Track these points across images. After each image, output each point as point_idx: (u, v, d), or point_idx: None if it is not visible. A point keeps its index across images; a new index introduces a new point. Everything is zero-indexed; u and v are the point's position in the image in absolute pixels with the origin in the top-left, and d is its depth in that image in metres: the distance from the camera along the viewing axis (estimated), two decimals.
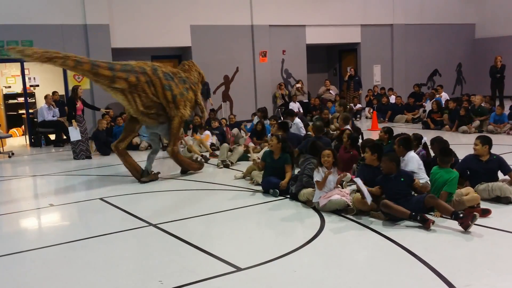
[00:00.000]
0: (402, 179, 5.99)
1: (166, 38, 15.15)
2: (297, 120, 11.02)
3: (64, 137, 13.17)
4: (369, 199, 5.92)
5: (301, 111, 16.36)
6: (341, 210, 6.23)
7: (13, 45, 12.81)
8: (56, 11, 13.27)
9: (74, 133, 10.82)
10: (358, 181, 6.04)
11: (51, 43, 13.16)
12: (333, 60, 20.55)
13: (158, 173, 8.87)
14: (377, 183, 6.08)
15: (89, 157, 11.18)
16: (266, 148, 8.31)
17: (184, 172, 9.12)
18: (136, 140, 12.15)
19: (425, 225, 5.52)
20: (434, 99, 14.87)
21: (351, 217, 6.09)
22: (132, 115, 8.40)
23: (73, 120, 10.81)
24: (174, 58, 16.28)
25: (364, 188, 5.95)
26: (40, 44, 13.07)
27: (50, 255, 5.43)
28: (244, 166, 9.16)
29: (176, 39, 15.40)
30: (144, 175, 8.57)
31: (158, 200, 7.59)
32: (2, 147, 12.51)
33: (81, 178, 9.18)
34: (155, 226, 6.12)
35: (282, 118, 16.78)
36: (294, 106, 16.37)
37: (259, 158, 8.33)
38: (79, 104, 11.03)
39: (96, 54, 13.68)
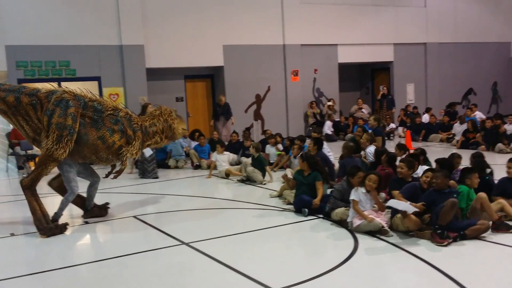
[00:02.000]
0: (455, 195, 5.89)
1: (199, 58, 15.36)
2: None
3: None
4: (411, 209, 5.82)
5: (331, 131, 16.28)
6: (375, 232, 6.12)
7: (51, 65, 13.23)
8: (93, 32, 13.63)
9: (146, 151, 10.47)
10: (393, 203, 5.95)
11: (87, 64, 13.54)
12: (366, 78, 20.44)
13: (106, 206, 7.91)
14: (425, 198, 5.97)
15: (155, 177, 10.90)
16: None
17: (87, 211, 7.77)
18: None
19: (440, 240, 5.54)
20: (469, 119, 14.58)
21: (386, 238, 5.97)
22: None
23: None
24: (207, 77, 16.48)
25: (401, 203, 5.87)
26: (77, 64, 13.47)
27: (84, 272, 5.50)
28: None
29: (209, 59, 15.60)
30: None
31: (191, 218, 7.61)
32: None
33: (116, 196, 9.29)
34: (187, 244, 6.13)
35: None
36: (329, 125, 16.30)
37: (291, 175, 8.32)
38: None
39: (131, 74, 14.00)
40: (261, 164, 9.93)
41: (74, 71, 13.45)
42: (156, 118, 7.69)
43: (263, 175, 9.87)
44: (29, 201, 6.85)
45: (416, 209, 5.87)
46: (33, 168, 12.39)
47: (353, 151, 9.10)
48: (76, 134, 6.94)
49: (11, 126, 12.84)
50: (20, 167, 12.54)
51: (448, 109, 17.19)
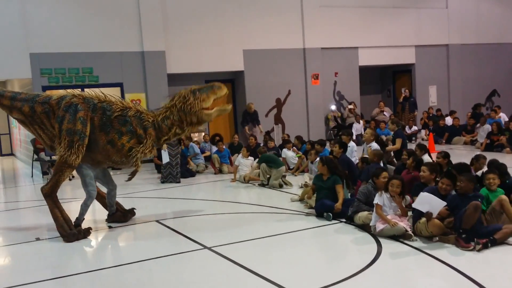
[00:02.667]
0: (479, 199, 5.79)
1: (219, 63, 15.43)
2: (352, 143, 10.82)
3: None
4: (439, 204, 5.80)
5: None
6: (398, 236, 6.05)
7: (74, 72, 13.44)
8: (115, 39, 13.80)
9: (164, 156, 10.68)
10: (419, 205, 5.88)
11: (110, 70, 13.72)
12: (387, 81, 20.27)
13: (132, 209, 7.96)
14: (449, 202, 5.89)
15: (178, 182, 10.94)
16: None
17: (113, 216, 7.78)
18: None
19: (465, 245, 5.50)
20: (493, 121, 14.34)
21: (409, 243, 5.90)
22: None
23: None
24: (227, 82, 16.52)
25: (433, 198, 5.80)
26: (100, 71, 13.66)
27: (107, 277, 5.55)
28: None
29: (229, 63, 15.66)
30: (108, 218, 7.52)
31: (213, 222, 7.63)
32: None
33: (138, 201, 9.37)
34: (210, 249, 6.14)
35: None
36: (358, 127, 16.17)
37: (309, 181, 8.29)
38: None
39: (153, 80, 14.14)
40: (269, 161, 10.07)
41: (97, 78, 13.65)
42: (169, 110, 7.09)
43: (276, 165, 10.00)
44: (51, 209, 6.91)
45: (443, 204, 5.80)
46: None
47: (381, 158, 8.91)
48: (87, 138, 6.89)
49: None
50: (45, 173, 12.75)
51: (474, 111, 16.93)
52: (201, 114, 7.04)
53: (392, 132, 11.31)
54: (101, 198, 7.77)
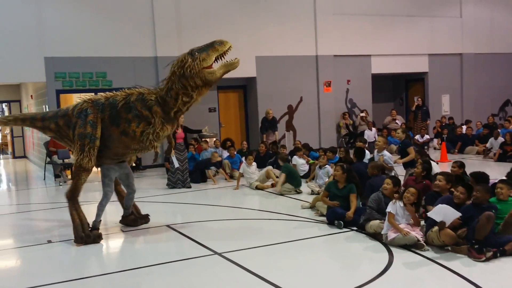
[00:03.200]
0: (493, 211, 5.73)
1: None
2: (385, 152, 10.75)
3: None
4: (452, 215, 5.74)
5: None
6: (410, 245, 6.00)
7: (88, 76, 13.55)
8: (129, 44, 13.90)
9: (174, 161, 10.69)
10: (434, 214, 5.83)
11: (123, 75, 13.81)
12: (400, 89, 20.19)
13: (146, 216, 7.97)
14: (462, 212, 5.83)
15: (189, 187, 10.95)
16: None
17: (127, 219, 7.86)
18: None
19: (477, 256, 5.45)
20: (506, 131, 14.19)
21: (421, 252, 5.84)
22: None
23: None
24: (239, 88, 16.58)
25: (448, 209, 5.75)
26: (113, 75, 13.76)
27: (117, 280, 5.56)
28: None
29: (241, 70, 15.42)
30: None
31: (224, 228, 7.62)
32: None
33: (149, 205, 9.39)
34: (220, 254, 6.13)
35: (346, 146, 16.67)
36: (370, 134, 16.07)
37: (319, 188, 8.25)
38: (179, 132, 10.81)
39: None
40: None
41: (111, 82, 13.75)
42: (170, 80, 6.74)
43: (296, 184, 9.83)
44: (70, 211, 7.02)
45: (458, 215, 5.76)
46: (69, 176, 12.73)
47: (381, 169, 8.75)
48: (99, 139, 6.92)
49: None
50: (57, 176, 12.84)
51: (488, 122, 16.75)
52: (204, 74, 6.53)
53: (399, 141, 11.16)
54: (121, 198, 7.89)
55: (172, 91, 6.67)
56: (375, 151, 9.33)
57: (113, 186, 7.44)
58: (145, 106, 6.79)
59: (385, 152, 9.06)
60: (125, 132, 6.88)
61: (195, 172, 11.56)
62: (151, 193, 10.57)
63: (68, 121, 7.20)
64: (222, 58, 6.67)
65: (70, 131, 7.15)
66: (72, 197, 7.03)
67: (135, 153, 7.41)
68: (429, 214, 5.93)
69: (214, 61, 6.62)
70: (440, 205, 5.89)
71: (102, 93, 7.40)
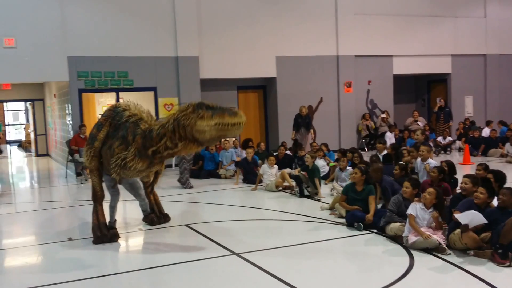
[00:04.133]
0: None
1: (252, 69, 15.46)
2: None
3: None
4: (478, 220, 5.64)
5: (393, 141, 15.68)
6: (432, 249, 5.89)
7: (110, 76, 13.67)
8: (151, 44, 13.99)
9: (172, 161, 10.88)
10: (462, 217, 5.71)
11: (145, 75, 13.91)
12: (422, 90, 19.93)
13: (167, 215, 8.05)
14: (487, 216, 5.71)
15: (190, 187, 11.06)
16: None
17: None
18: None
19: (501, 261, 5.34)
20: None
21: (443, 256, 5.74)
22: None
23: None
24: (259, 88, 16.56)
25: (476, 215, 5.65)
26: (135, 75, 13.86)
27: (135, 279, 5.58)
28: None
29: (262, 70, 15.67)
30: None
31: (242, 229, 7.60)
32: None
33: (168, 205, 9.40)
34: (238, 255, 6.12)
35: (366, 149, 16.53)
36: (391, 136, 15.88)
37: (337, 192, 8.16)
38: None
39: (186, 85, 14.26)
40: (314, 175, 9.76)
41: (132, 82, 13.85)
42: (168, 119, 6.18)
43: (315, 187, 9.72)
44: (92, 212, 7.13)
45: (483, 221, 5.66)
46: (89, 174, 12.86)
47: (382, 171, 8.23)
48: (98, 142, 6.88)
49: (72, 134, 13.38)
50: (78, 174, 12.99)
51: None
52: (193, 129, 5.84)
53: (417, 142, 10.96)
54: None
55: (162, 129, 6.14)
56: (419, 160, 9.10)
57: (117, 187, 7.40)
58: (133, 131, 6.47)
59: (430, 161, 8.88)
60: (111, 147, 6.72)
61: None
62: (170, 192, 10.61)
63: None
64: (226, 126, 5.79)
65: None
66: (94, 199, 7.15)
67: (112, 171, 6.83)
68: (457, 216, 5.79)
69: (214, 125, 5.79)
70: (471, 210, 5.76)
71: (131, 103, 7.08)
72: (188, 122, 5.84)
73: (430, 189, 6.16)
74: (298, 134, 14.51)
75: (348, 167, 9.60)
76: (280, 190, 10.24)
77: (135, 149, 6.34)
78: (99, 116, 7.48)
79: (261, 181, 10.61)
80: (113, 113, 6.98)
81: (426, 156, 8.92)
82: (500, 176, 6.74)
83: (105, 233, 6.95)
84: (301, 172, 9.93)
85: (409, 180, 6.70)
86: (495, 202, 6.12)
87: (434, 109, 17.94)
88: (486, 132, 15.93)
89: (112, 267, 6.17)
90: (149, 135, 6.25)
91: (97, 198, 7.12)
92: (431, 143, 14.96)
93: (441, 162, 8.31)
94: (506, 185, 6.39)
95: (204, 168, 12.55)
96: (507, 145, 13.96)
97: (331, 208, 8.20)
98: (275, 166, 10.85)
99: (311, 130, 14.51)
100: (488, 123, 16.73)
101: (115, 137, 6.70)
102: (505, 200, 5.72)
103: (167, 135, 6.09)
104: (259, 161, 11.97)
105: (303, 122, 14.44)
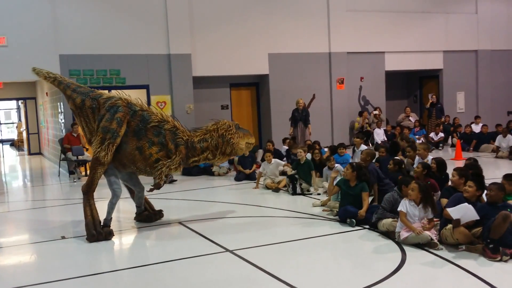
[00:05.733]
0: (508, 210, 5.65)
1: (244, 66, 15.46)
2: (363, 146, 10.85)
3: None
4: (470, 215, 5.68)
5: (383, 140, 15.76)
6: (423, 244, 5.94)
7: (102, 74, 13.63)
8: (143, 42, 13.96)
9: None
10: (454, 212, 5.75)
11: (137, 72, 13.87)
12: (414, 86, 20.02)
13: (160, 211, 8.08)
14: (477, 211, 5.76)
15: (173, 181, 11.34)
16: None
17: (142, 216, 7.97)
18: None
19: (492, 255, 5.38)
20: None
21: (435, 251, 5.79)
22: None
23: None
24: (252, 85, 16.57)
25: (469, 208, 5.68)
26: (127, 73, 13.82)
27: (129, 277, 5.59)
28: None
29: (254, 67, 15.68)
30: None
31: (236, 226, 7.63)
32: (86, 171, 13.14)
33: (162, 202, 9.43)
34: (231, 252, 6.14)
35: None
36: (380, 133, 15.93)
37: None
38: None
39: (178, 82, 14.25)
40: (309, 168, 9.79)
41: (124, 80, 13.81)
42: (209, 134, 7.27)
43: (309, 183, 9.74)
44: (84, 206, 7.06)
45: (476, 218, 5.71)
46: (83, 173, 12.82)
47: (374, 157, 8.98)
48: (120, 138, 7.02)
49: (64, 132, 13.33)
50: (71, 172, 12.95)
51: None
52: (238, 147, 7.32)
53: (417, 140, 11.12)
54: (134, 195, 7.94)
55: (204, 143, 7.24)
56: (417, 158, 9.23)
57: (120, 183, 7.47)
58: (173, 140, 7.15)
59: (430, 158, 9.00)
60: (142, 149, 7.08)
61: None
62: (162, 189, 10.60)
63: (96, 107, 7.22)
64: (249, 145, 7.60)
65: (95, 118, 7.20)
66: (88, 191, 7.08)
67: (135, 170, 7.39)
68: (449, 210, 5.82)
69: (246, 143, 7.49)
70: (465, 204, 5.79)
71: (138, 100, 7.43)
72: (233, 141, 7.23)
73: (413, 184, 6.19)
74: (296, 130, 14.21)
75: (336, 164, 9.54)
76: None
77: (180, 158, 7.17)
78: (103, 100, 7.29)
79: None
80: (129, 110, 7.16)
81: (424, 154, 9.14)
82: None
83: (100, 231, 6.95)
84: (292, 170, 9.98)
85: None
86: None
87: (426, 105, 18.03)
88: (477, 128, 16.02)
89: (106, 265, 6.18)
90: (192, 146, 7.22)
91: (91, 191, 7.10)
92: (422, 139, 15.10)
93: (432, 159, 8.39)
94: (495, 180, 6.45)
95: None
96: (499, 137, 14.03)
97: (323, 205, 8.25)
98: (273, 161, 10.72)
99: (309, 126, 14.25)
100: (476, 118, 16.82)
101: (140, 138, 7.08)
102: (492, 195, 5.78)
103: (210, 149, 7.26)
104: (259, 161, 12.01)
105: (300, 116, 14.13)
